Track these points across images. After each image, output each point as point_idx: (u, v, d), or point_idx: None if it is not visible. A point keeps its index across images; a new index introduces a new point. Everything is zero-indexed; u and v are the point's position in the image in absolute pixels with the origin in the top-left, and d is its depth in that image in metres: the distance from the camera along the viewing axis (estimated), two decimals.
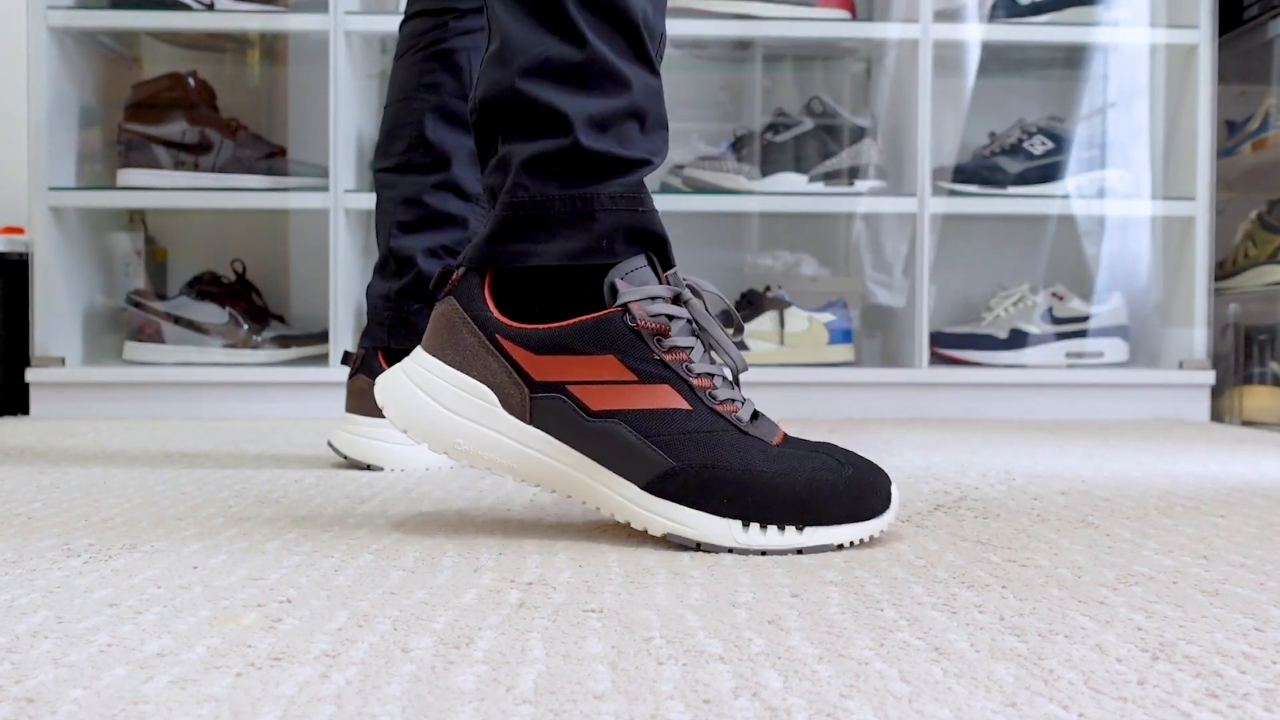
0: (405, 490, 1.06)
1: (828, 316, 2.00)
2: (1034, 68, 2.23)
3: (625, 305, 0.78)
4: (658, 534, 0.77)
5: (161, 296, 2.03)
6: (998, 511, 0.96)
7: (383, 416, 0.90)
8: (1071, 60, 2.16)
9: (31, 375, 1.89)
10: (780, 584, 0.68)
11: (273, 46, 2.17)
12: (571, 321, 0.78)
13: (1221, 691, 0.48)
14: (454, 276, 0.83)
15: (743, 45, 2.14)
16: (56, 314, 1.92)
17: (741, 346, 0.88)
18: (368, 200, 1.98)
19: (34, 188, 1.89)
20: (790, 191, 2.01)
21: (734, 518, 0.76)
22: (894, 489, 0.80)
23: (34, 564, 0.72)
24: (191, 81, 2.01)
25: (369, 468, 1.20)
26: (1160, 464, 1.31)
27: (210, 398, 1.89)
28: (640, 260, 0.80)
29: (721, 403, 0.78)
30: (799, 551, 0.76)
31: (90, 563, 0.72)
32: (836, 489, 0.77)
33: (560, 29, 0.79)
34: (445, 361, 0.81)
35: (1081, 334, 2.03)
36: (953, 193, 2.02)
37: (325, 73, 1.91)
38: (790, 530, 0.76)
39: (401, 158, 1.22)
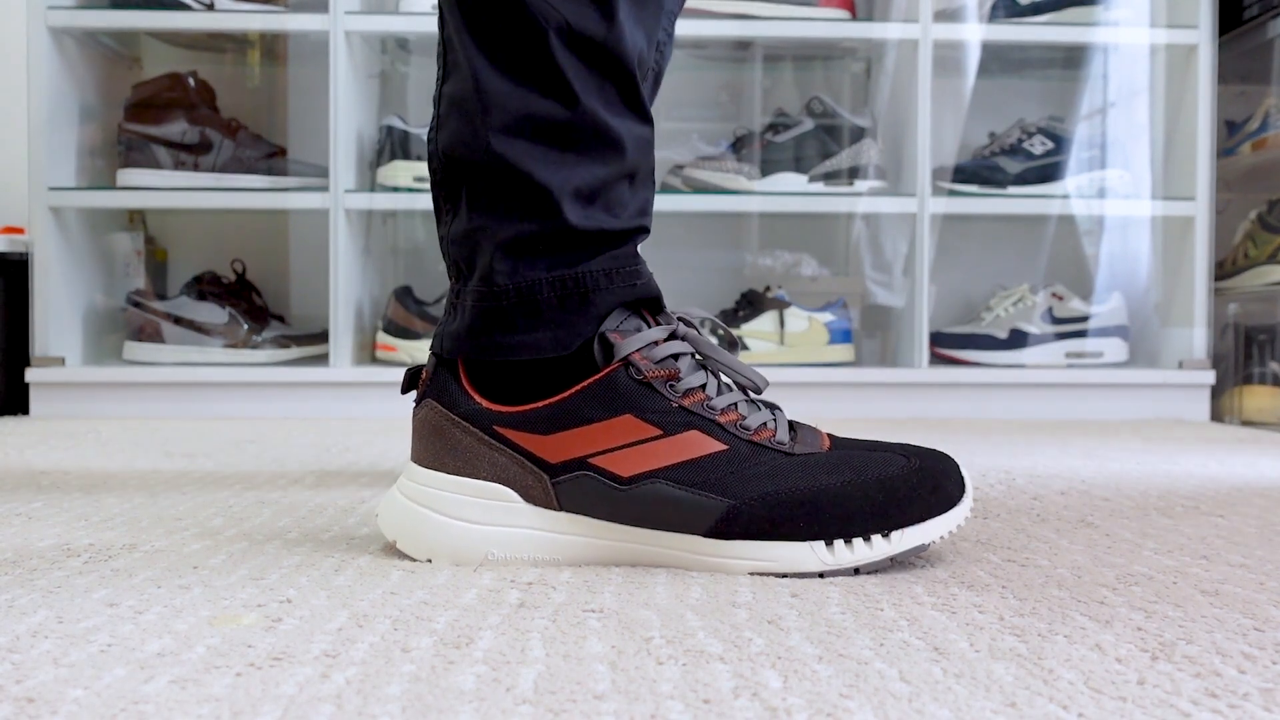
0: None
1: (828, 316, 2.00)
2: (1034, 68, 2.23)
3: (626, 359, 0.71)
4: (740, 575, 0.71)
5: (161, 296, 2.03)
6: (997, 511, 0.96)
7: None
8: (1071, 60, 2.16)
9: (31, 375, 1.89)
10: (780, 584, 0.68)
11: (273, 46, 2.16)
12: (572, 390, 0.71)
13: (1221, 691, 0.48)
14: (424, 375, 0.75)
15: (743, 45, 2.14)
16: (57, 314, 1.92)
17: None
18: (367, 200, 1.98)
19: (34, 188, 1.89)
20: (790, 191, 2.01)
21: (814, 539, 0.70)
22: (963, 469, 0.74)
23: (34, 564, 0.72)
24: (191, 81, 2.01)
25: None
26: (1160, 464, 1.31)
27: (210, 398, 1.89)
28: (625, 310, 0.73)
29: (756, 431, 0.72)
30: (892, 560, 0.71)
31: (90, 563, 0.72)
32: (911, 485, 0.71)
33: (543, 79, 0.70)
34: (445, 471, 0.73)
35: (1081, 334, 2.03)
36: (953, 193, 2.02)
37: (325, 73, 1.91)
38: (877, 539, 0.70)
39: None
